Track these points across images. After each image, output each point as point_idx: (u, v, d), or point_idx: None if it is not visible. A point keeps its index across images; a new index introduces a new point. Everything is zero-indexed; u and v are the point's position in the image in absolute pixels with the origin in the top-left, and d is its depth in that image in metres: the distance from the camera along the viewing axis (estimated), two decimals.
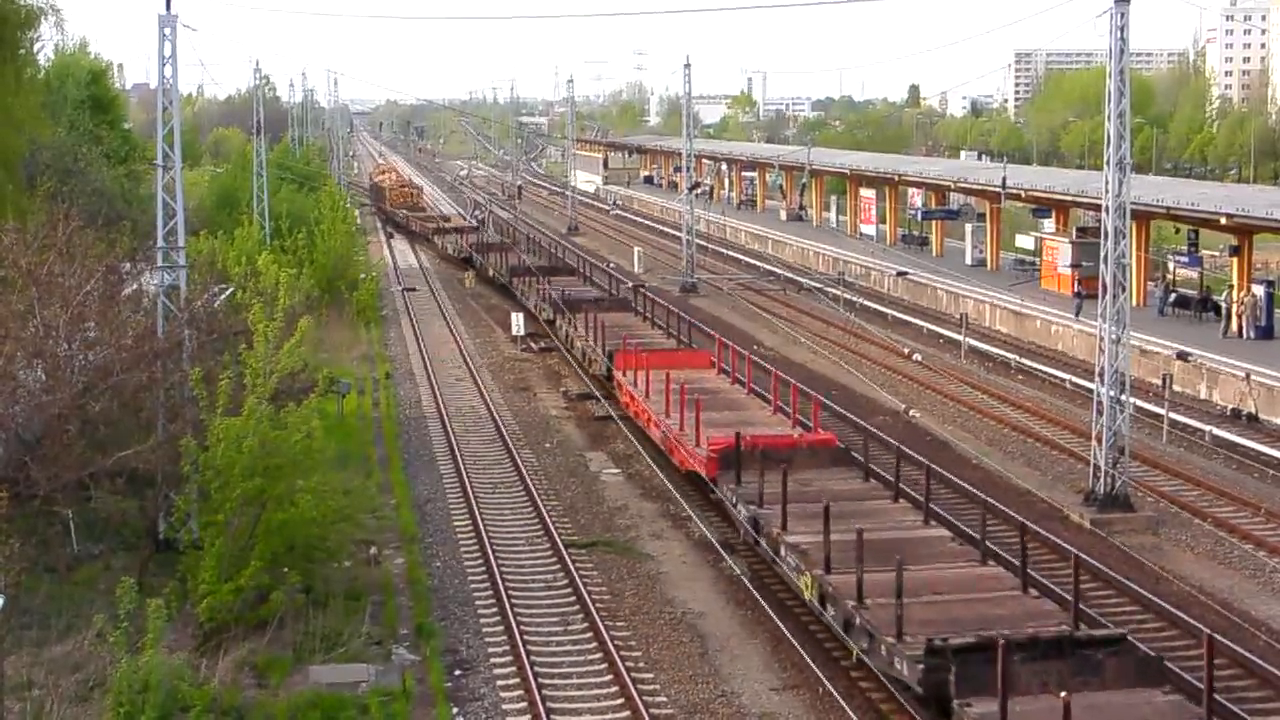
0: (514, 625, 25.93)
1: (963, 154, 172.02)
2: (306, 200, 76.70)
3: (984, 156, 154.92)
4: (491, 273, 72.67)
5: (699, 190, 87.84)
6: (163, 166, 30.50)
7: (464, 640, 25.84)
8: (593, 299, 55.59)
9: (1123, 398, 33.24)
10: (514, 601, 27.28)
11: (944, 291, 63.87)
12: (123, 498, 27.51)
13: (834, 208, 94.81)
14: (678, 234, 79.24)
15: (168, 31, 30.33)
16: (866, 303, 63.52)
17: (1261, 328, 49.87)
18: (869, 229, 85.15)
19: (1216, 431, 39.76)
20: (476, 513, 33.12)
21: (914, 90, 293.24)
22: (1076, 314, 53.03)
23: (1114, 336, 32.91)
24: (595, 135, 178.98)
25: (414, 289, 73.59)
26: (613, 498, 35.36)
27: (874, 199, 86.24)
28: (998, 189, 64.78)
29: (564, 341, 52.13)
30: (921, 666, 19.81)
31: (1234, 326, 50.48)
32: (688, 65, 73.27)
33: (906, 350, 52.41)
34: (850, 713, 22.11)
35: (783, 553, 25.90)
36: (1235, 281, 52.17)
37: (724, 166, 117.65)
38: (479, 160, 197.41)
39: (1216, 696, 19.94)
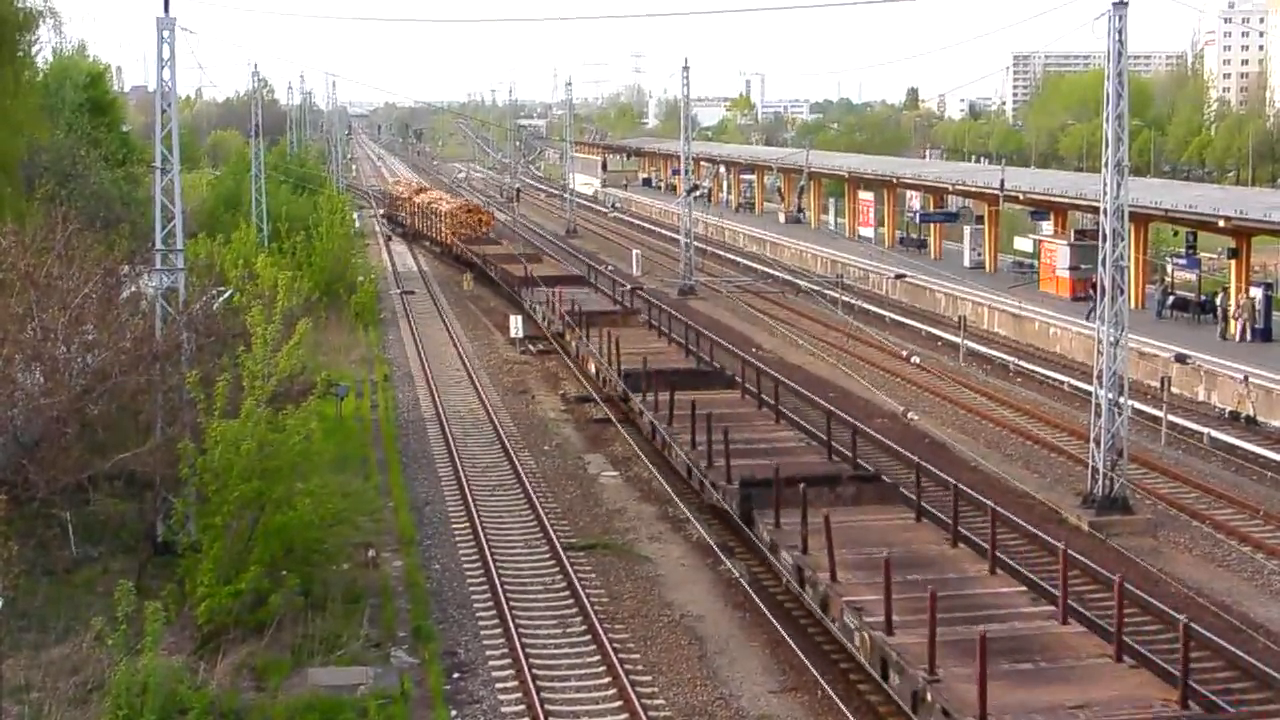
0: (512, 628, 25.92)
1: (927, 153, 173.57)
2: (305, 203, 76.70)
3: (983, 159, 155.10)
4: (594, 368, 46.31)
5: (697, 193, 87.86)
6: (161, 169, 30.49)
7: (462, 643, 25.83)
8: (821, 473, 29.77)
9: (1121, 400, 33.24)
10: (512, 604, 27.27)
11: (942, 294, 63.87)
12: (121, 500, 27.54)
13: (832, 210, 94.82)
14: (676, 236, 79.22)
15: (166, 34, 30.31)
16: (865, 305, 63.50)
17: (1260, 330, 49.90)
18: (867, 231, 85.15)
19: (1215, 434, 39.78)
20: (475, 515, 33.11)
21: (912, 93, 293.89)
22: (1089, 317, 52.84)
23: (1112, 339, 32.92)
24: (593, 138, 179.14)
25: (412, 292, 73.58)
26: (611, 500, 35.35)
27: (872, 201, 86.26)
28: (996, 191, 64.82)
29: (798, 582, 25.47)
30: None
31: (1232, 329, 50.51)
32: (686, 68, 73.40)
33: (905, 353, 52.40)
34: (849, 715, 22.10)
35: None
36: (1232, 284, 52.21)
37: (722, 169, 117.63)
38: (477, 163, 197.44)
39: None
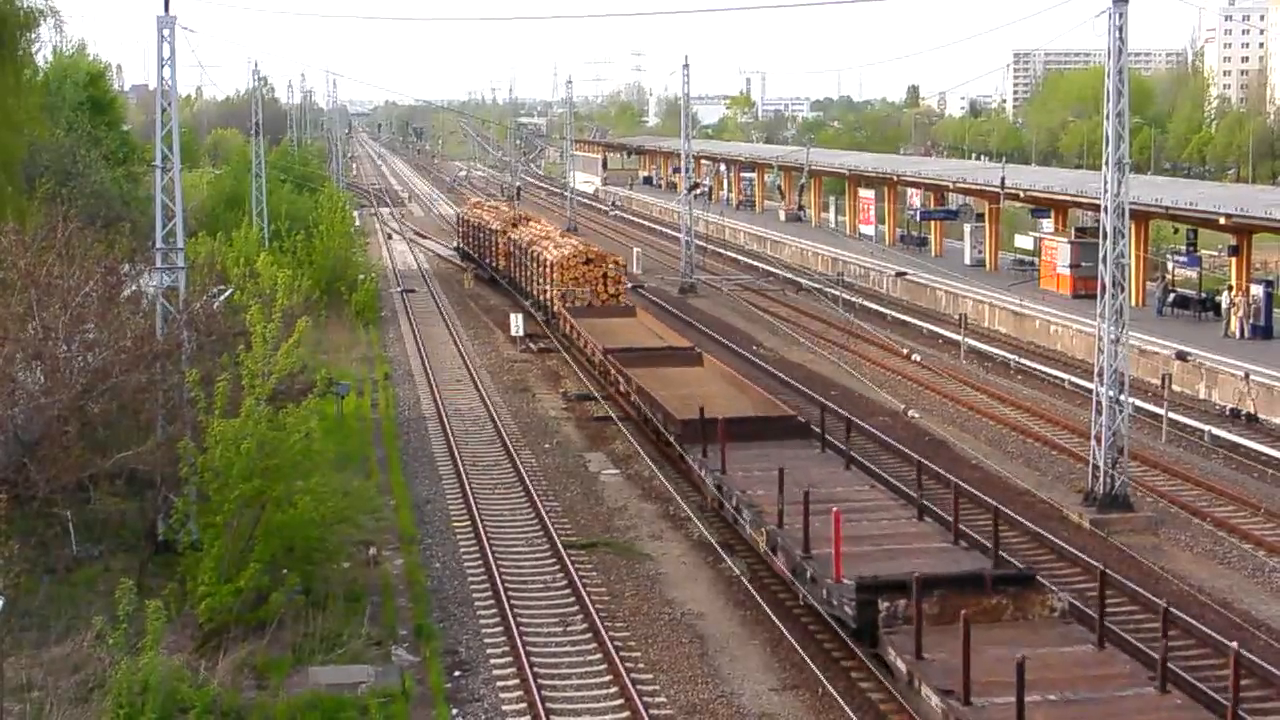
0: (513, 626, 25.93)
1: (901, 149, 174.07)
2: (305, 201, 76.66)
3: (983, 156, 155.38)
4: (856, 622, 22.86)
5: (698, 191, 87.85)
6: (161, 168, 30.49)
7: (463, 641, 25.84)
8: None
9: (1122, 398, 33.24)
10: (513, 602, 27.27)
11: (943, 292, 63.86)
12: (122, 499, 27.53)
13: (833, 208, 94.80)
14: (676, 235, 79.21)
15: (166, 33, 30.29)
16: (865, 303, 63.51)
17: (1260, 327, 49.88)
18: (868, 229, 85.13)
19: (1215, 431, 39.77)
20: (476, 513, 33.11)
21: (913, 90, 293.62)
22: None
23: (1113, 336, 32.91)
24: (594, 136, 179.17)
25: (413, 290, 73.57)
26: (612, 498, 35.35)
27: (873, 199, 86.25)
28: (996, 189, 64.78)
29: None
30: None
31: (1232, 327, 50.50)
32: (686, 66, 73.35)
33: (906, 350, 52.42)
34: (850, 713, 22.11)
35: None
36: (1234, 282, 52.18)
37: (723, 167, 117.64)
38: (478, 161, 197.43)
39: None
